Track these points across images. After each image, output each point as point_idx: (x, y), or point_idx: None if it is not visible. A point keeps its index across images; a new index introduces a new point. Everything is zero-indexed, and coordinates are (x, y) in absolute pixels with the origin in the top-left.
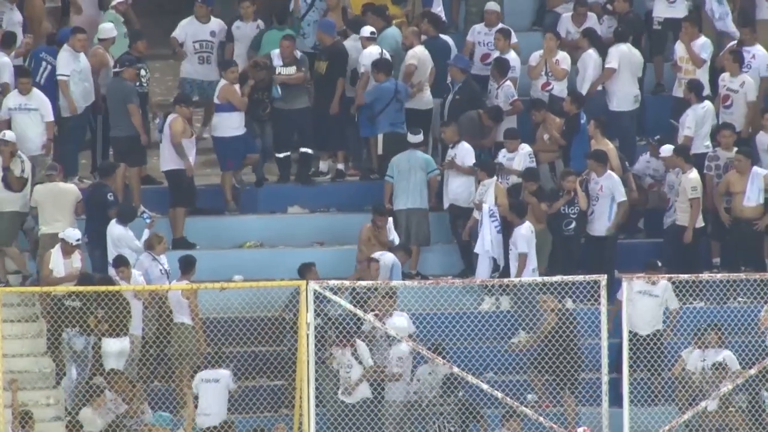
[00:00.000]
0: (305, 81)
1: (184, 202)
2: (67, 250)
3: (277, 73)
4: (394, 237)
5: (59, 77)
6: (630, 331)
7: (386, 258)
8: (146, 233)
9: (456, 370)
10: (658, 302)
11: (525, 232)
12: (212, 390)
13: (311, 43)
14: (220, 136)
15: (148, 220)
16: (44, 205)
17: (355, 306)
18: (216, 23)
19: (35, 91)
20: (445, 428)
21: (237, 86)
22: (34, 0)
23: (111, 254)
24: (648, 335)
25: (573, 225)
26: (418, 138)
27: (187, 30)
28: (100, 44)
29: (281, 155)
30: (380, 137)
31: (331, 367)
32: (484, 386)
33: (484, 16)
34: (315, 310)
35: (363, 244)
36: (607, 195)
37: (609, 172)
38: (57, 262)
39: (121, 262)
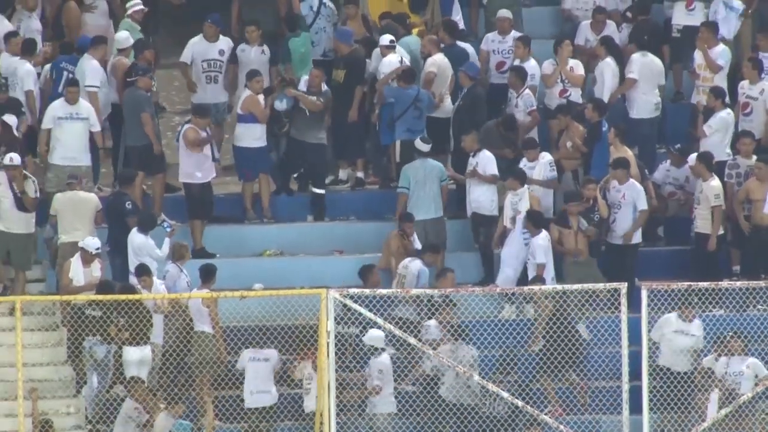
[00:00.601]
0: (320, 110)
1: (202, 214)
2: (87, 259)
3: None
4: (418, 243)
5: (90, 89)
6: (665, 367)
7: (413, 265)
8: (167, 242)
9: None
10: (692, 341)
11: (543, 242)
12: (262, 369)
13: (321, 51)
14: (241, 146)
15: (168, 229)
16: (64, 214)
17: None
18: (224, 42)
19: (82, 100)
20: (495, 410)
21: (261, 97)
22: (71, 7)
23: (132, 263)
24: (682, 372)
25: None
26: (428, 147)
27: (195, 49)
28: (119, 54)
29: (294, 175)
30: (398, 144)
31: (293, 378)
32: (505, 394)
33: (497, 23)
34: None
35: (391, 254)
36: (629, 203)
37: (631, 180)
38: (77, 271)
39: (143, 271)
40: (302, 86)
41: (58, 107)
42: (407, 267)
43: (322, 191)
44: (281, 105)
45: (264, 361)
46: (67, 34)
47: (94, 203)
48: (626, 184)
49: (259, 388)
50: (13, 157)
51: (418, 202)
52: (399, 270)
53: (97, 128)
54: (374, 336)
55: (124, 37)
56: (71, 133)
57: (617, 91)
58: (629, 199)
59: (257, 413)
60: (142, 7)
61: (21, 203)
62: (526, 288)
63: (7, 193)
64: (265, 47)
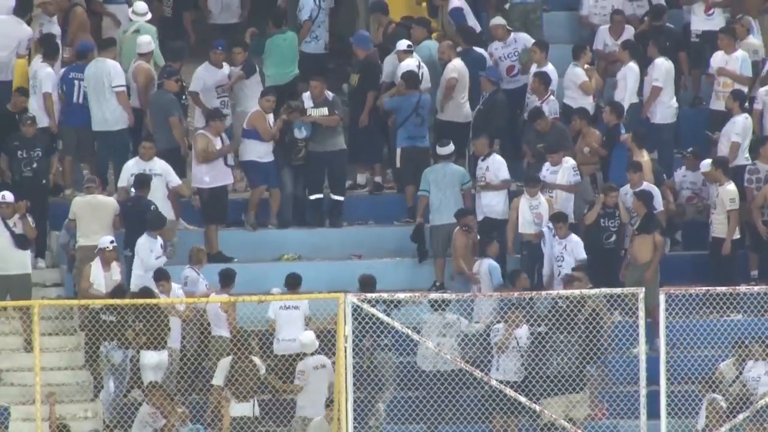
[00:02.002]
0: (339, 123)
1: (214, 219)
2: (106, 258)
3: (308, 114)
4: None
5: (119, 88)
6: None
7: (484, 264)
8: (164, 259)
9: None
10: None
11: (579, 240)
12: (293, 316)
13: (323, 45)
14: (246, 160)
15: (169, 249)
16: (82, 217)
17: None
18: (227, 66)
19: (157, 158)
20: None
21: (270, 117)
22: (78, 12)
23: (136, 264)
24: None
25: (613, 238)
26: (448, 149)
27: (205, 76)
28: (140, 58)
29: (313, 197)
30: (398, 151)
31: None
32: (523, 399)
33: (490, 31)
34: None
35: (459, 255)
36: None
37: (646, 183)
38: (97, 275)
39: (161, 275)
40: (307, 102)
41: (132, 166)
42: (479, 270)
43: (341, 198)
44: (301, 133)
45: (294, 309)
46: (76, 39)
47: (113, 207)
48: (641, 187)
49: (290, 335)
50: (5, 195)
51: (440, 206)
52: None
53: (175, 183)
54: (306, 341)
55: (146, 41)
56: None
57: (648, 102)
58: None
59: (284, 360)
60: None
61: (19, 241)
62: (543, 293)
63: (3, 232)
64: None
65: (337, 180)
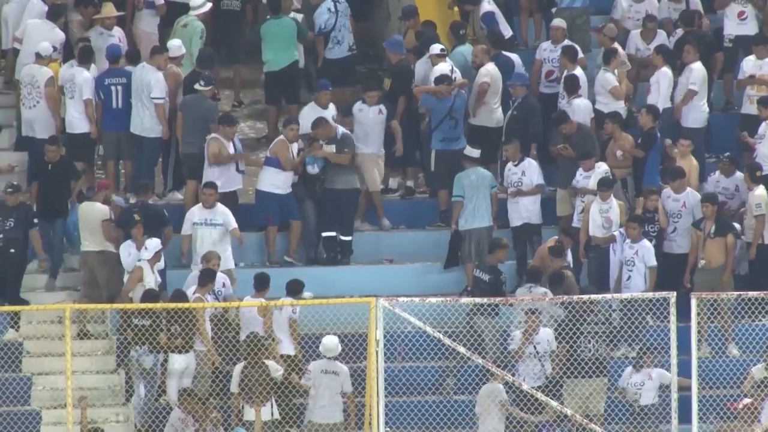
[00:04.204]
0: (350, 161)
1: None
2: (152, 261)
3: (320, 145)
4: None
5: (158, 101)
6: None
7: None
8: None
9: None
10: None
11: (649, 245)
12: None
13: (346, 48)
14: (261, 190)
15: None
16: (80, 225)
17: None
18: (333, 108)
19: (219, 204)
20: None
21: (294, 146)
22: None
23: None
24: None
25: (653, 242)
26: (477, 153)
27: (309, 116)
28: (171, 62)
29: (325, 235)
30: (433, 153)
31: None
32: (555, 404)
33: (549, 32)
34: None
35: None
36: (689, 212)
37: (689, 188)
38: (148, 275)
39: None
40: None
41: (195, 212)
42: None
43: (349, 238)
44: (313, 169)
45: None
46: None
47: (101, 214)
48: (684, 192)
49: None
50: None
51: (474, 211)
52: None
53: (233, 227)
54: (329, 345)
55: (177, 45)
56: (204, 238)
57: (681, 104)
58: (689, 207)
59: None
60: (207, 8)
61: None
62: (575, 297)
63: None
64: (382, 107)
65: (346, 220)
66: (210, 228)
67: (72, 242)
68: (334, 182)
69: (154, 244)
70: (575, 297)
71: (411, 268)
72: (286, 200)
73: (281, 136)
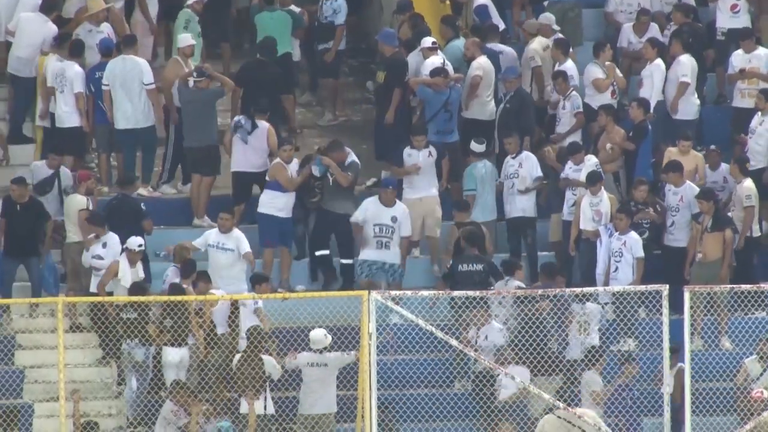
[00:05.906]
0: (349, 184)
1: None
2: (132, 258)
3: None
4: None
5: (151, 86)
6: None
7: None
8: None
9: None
10: None
11: (636, 237)
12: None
13: (342, 18)
14: (262, 212)
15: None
16: (64, 217)
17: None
18: (399, 208)
19: (235, 230)
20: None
21: (290, 166)
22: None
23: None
24: None
25: (646, 235)
26: (482, 147)
27: (369, 209)
28: (179, 54)
29: (319, 254)
30: None
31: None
32: (548, 395)
33: (539, 28)
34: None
35: None
36: (686, 206)
37: (688, 182)
38: (124, 272)
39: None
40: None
41: (213, 234)
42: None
43: (350, 261)
44: (316, 171)
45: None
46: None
47: (78, 205)
48: (683, 186)
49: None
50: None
51: (484, 204)
52: None
53: (247, 250)
54: (315, 337)
55: (186, 36)
56: (217, 261)
57: (676, 98)
58: (687, 201)
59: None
60: None
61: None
62: (577, 289)
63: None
64: (432, 149)
65: (345, 243)
66: (221, 252)
67: (47, 290)
68: (331, 205)
69: (135, 242)
70: (567, 290)
71: (408, 261)
72: (285, 225)
73: (277, 159)
